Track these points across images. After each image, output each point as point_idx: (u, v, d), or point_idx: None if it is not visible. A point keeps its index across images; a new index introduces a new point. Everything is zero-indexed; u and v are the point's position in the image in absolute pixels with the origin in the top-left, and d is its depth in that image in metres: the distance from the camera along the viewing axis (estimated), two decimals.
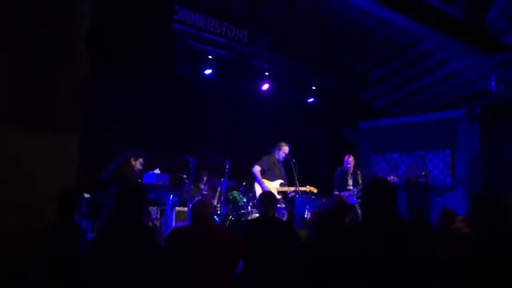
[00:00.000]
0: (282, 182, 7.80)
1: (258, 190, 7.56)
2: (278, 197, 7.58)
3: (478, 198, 3.30)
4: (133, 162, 6.79)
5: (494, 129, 9.16)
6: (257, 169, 7.62)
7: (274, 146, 7.90)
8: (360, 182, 8.33)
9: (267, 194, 4.85)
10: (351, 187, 8.33)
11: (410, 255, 2.91)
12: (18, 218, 4.33)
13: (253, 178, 7.82)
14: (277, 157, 7.85)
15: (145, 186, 6.43)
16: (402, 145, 10.36)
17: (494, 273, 2.90)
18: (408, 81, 10.37)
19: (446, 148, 9.78)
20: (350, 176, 8.44)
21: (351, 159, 8.52)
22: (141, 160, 6.88)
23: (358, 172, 8.53)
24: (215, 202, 8.36)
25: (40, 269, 3.71)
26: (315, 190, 7.93)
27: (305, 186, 7.89)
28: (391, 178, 8.15)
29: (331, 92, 10.73)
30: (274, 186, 7.72)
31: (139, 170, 6.95)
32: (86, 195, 6.37)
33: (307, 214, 8.23)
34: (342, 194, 8.17)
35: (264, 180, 7.66)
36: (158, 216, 7.11)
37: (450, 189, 8.90)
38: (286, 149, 7.83)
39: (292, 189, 7.77)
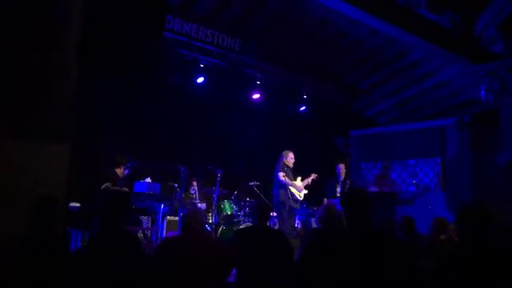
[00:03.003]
0: (300, 177, 8.05)
1: (295, 192, 7.85)
2: (305, 191, 7.99)
3: (464, 208, 3.29)
4: (117, 170, 6.83)
5: (484, 137, 9.23)
6: (282, 175, 7.75)
7: (280, 155, 8.04)
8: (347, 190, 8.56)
9: (261, 204, 4.85)
10: (339, 194, 8.63)
11: (384, 263, 2.94)
12: (6, 228, 4.28)
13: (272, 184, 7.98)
14: (287, 163, 7.98)
15: (129, 194, 6.42)
16: (393, 153, 10.40)
17: (479, 280, 2.92)
18: (398, 90, 10.47)
19: (436, 156, 9.84)
20: (339, 184, 8.68)
21: (342, 166, 8.86)
22: (125, 166, 6.88)
23: (348, 181, 8.81)
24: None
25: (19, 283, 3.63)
26: (312, 178, 8.18)
27: (309, 175, 8.16)
28: (379, 185, 8.33)
29: (322, 101, 10.80)
30: (299, 183, 8.00)
31: (126, 174, 6.94)
32: (77, 204, 6.34)
33: (297, 223, 8.27)
34: (330, 201, 8.27)
35: (292, 182, 7.88)
36: (149, 225, 7.07)
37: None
38: (291, 154, 8.03)
39: (311, 178, 8.10)
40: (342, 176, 8.88)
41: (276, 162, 7.91)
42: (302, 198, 7.99)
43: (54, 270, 3.58)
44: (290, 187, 7.80)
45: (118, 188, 6.54)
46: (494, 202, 7.92)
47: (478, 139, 9.31)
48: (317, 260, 4.02)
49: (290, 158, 7.96)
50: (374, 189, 8.86)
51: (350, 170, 9.82)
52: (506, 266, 2.94)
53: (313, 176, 8.17)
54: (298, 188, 7.93)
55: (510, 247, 3.10)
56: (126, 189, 6.69)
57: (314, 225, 7.68)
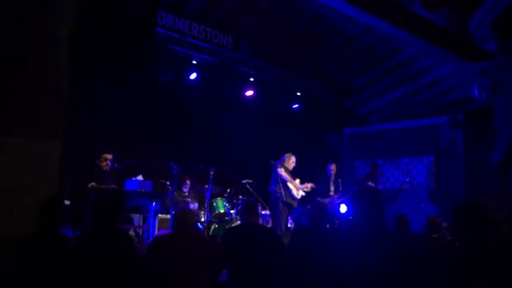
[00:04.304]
0: (299, 180, 8.08)
1: (293, 189, 7.89)
2: (303, 193, 8.03)
3: (457, 206, 3.28)
4: (99, 164, 6.77)
5: (477, 136, 9.25)
6: (282, 171, 7.81)
7: (283, 155, 8.10)
8: (341, 188, 8.56)
9: (249, 201, 4.84)
10: (332, 193, 8.61)
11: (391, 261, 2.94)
12: None
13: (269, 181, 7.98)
14: (286, 165, 8.02)
15: (122, 192, 6.35)
16: (386, 151, 10.42)
17: (473, 278, 2.91)
18: (391, 88, 10.46)
19: (430, 154, 9.86)
20: (331, 183, 8.63)
21: (333, 167, 8.80)
22: (106, 157, 6.82)
23: (339, 179, 8.81)
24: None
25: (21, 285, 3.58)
26: (311, 186, 8.21)
27: (308, 183, 8.19)
28: (369, 184, 8.36)
29: (315, 98, 10.78)
30: (298, 185, 8.02)
31: (111, 168, 6.87)
32: (67, 202, 6.28)
33: (290, 222, 8.25)
34: (323, 200, 8.26)
35: (291, 179, 7.91)
36: (141, 223, 7.01)
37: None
38: (294, 159, 8.09)
39: (309, 185, 8.13)
40: (333, 175, 8.88)
41: (275, 161, 7.92)
42: (299, 197, 7.99)
43: (59, 268, 3.55)
44: (289, 183, 7.82)
45: (104, 186, 6.48)
46: (486, 200, 7.94)
47: (472, 137, 9.34)
48: (299, 256, 4.04)
49: (291, 162, 8.06)
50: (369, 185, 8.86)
51: (340, 168, 9.82)
52: (499, 264, 2.93)
53: (311, 184, 8.21)
54: (297, 186, 7.96)
55: (502, 245, 3.10)
56: (114, 186, 6.62)
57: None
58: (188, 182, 8.41)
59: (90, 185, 6.41)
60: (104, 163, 6.79)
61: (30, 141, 4.68)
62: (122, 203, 3.77)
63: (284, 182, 7.74)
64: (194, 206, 8.22)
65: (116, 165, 6.86)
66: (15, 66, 4.74)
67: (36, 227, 3.83)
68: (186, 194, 8.40)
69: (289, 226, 8.21)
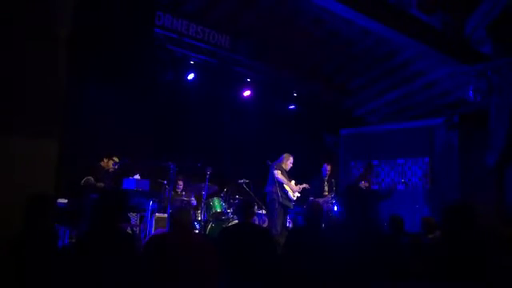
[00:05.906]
0: (294, 181, 8.09)
1: (289, 191, 7.90)
2: (298, 194, 8.04)
3: (448, 207, 3.30)
4: (105, 164, 6.80)
5: (472, 137, 9.30)
6: (279, 173, 7.82)
7: (280, 156, 8.10)
8: (334, 188, 8.60)
9: (244, 201, 4.87)
10: (326, 193, 8.64)
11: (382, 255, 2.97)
12: None
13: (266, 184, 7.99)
14: (284, 166, 8.03)
15: (126, 192, 6.39)
16: (382, 152, 10.46)
17: (460, 276, 2.94)
18: (388, 89, 10.50)
19: (425, 156, 9.91)
20: (326, 183, 8.65)
21: (329, 167, 8.82)
22: (115, 159, 6.85)
23: (333, 180, 8.85)
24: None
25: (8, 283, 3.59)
26: (303, 187, 8.22)
27: (302, 184, 8.22)
28: (362, 183, 8.41)
29: (313, 99, 10.81)
30: (294, 186, 8.03)
31: (114, 169, 6.91)
32: (65, 200, 6.30)
33: (289, 222, 8.29)
34: (317, 200, 8.31)
35: (287, 181, 7.93)
36: (138, 222, 7.05)
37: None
38: (291, 159, 8.09)
39: (303, 186, 8.14)
40: (328, 175, 8.91)
41: (272, 161, 7.95)
42: (295, 198, 8.03)
43: (45, 268, 3.56)
44: (285, 185, 7.84)
45: (99, 184, 6.51)
46: (480, 202, 7.99)
47: (467, 139, 9.38)
48: (293, 257, 4.07)
49: (289, 163, 8.05)
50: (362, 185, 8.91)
51: (336, 169, 9.86)
52: (490, 265, 2.96)
53: (305, 185, 8.24)
54: (293, 188, 7.98)
55: (494, 247, 3.13)
56: (101, 184, 6.62)
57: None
58: (181, 183, 8.44)
59: (84, 179, 6.42)
60: (110, 164, 6.83)
61: (29, 141, 4.69)
62: (126, 204, 3.78)
63: (280, 184, 7.78)
64: (194, 202, 8.27)
65: (115, 164, 6.91)
66: (15, 66, 4.76)
67: (24, 225, 3.78)
68: (183, 194, 8.44)
69: (287, 225, 8.24)
